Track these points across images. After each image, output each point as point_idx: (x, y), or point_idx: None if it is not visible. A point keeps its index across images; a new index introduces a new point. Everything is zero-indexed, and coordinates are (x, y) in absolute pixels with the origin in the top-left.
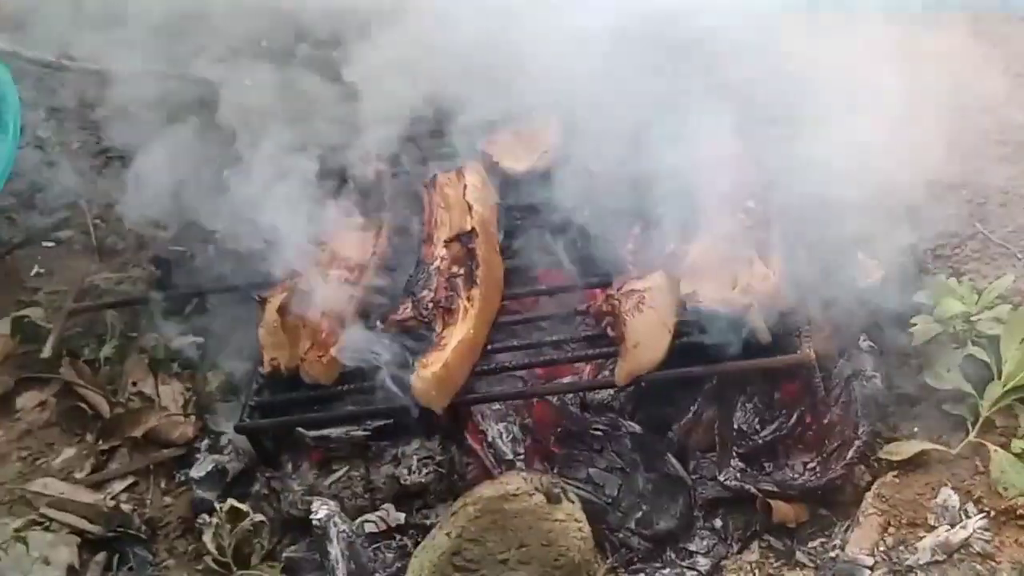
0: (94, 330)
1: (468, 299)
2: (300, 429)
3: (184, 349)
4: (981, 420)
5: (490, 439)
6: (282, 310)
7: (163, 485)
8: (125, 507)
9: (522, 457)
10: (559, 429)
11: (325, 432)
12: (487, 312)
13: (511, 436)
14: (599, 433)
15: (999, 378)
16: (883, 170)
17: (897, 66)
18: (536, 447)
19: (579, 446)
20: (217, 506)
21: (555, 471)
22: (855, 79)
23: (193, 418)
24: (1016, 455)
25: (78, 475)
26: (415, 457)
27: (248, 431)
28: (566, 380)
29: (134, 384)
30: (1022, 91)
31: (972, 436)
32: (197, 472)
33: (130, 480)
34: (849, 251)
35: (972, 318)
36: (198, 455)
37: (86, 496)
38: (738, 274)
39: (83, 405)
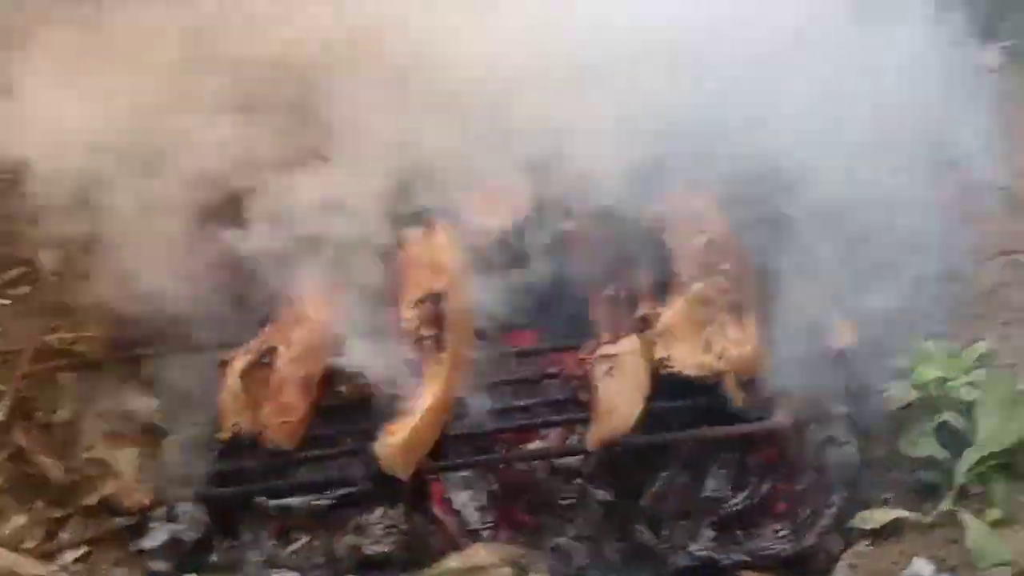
0: (47, 392)
1: (437, 362)
2: (261, 498)
3: (140, 411)
4: (956, 488)
5: (457, 507)
6: (245, 374)
7: (116, 555)
8: None
9: (490, 526)
10: (528, 497)
11: (287, 501)
12: (457, 376)
13: (478, 504)
14: (568, 501)
15: (974, 445)
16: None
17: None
18: (504, 515)
19: (548, 514)
20: None
21: (523, 541)
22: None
23: (148, 484)
24: (991, 524)
25: (28, 544)
26: (378, 526)
27: (207, 499)
28: (535, 446)
29: (88, 449)
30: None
31: (947, 504)
32: (152, 542)
33: (83, 550)
34: (824, 313)
35: (948, 384)
36: (153, 524)
37: (36, 567)
38: (712, 338)
39: (35, 471)
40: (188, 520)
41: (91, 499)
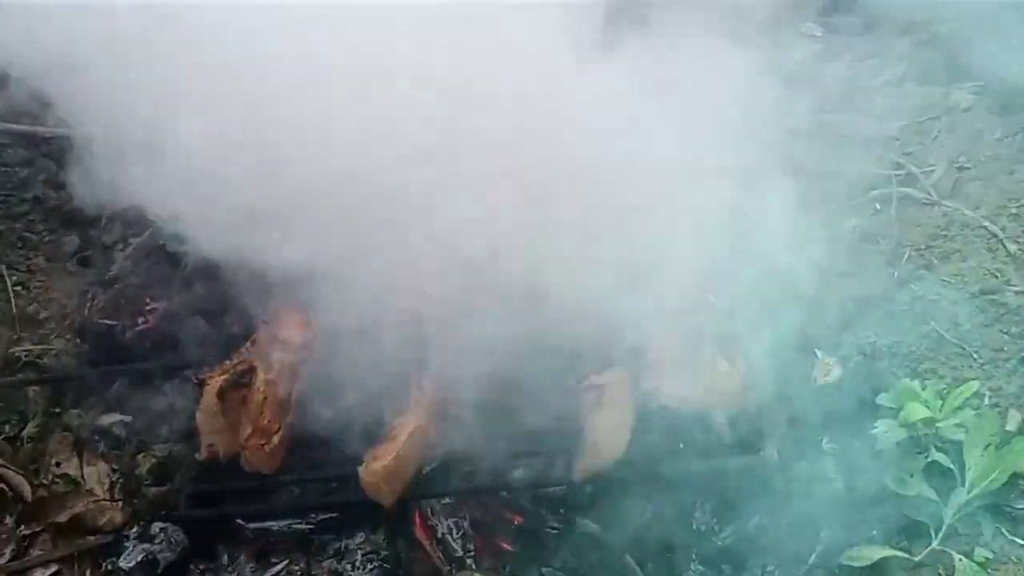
0: (15, 406)
1: (420, 388)
2: (240, 520)
3: (111, 428)
4: (945, 527)
5: (440, 535)
6: (222, 394)
7: (88, 575)
8: None
9: (472, 554)
10: (512, 526)
11: (266, 524)
12: (440, 401)
13: (462, 532)
14: (554, 531)
15: (963, 484)
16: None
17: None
18: (487, 544)
19: (533, 544)
20: None
21: (507, 570)
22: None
23: (121, 503)
24: (980, 564)
25: None
26: (359, 552)
27: (184, 521)
28: (520, 475)
29: (57, 465)
30: (967, 183)
31: (935, 543)
32: (126, 562)
33: (53, 568)
34: (808, 349)
35: (936, 423)
36: (127, 543)
37: None
38: (701, 371)
39: (3, 486)
40: (164, 540)
41: (61, 517)
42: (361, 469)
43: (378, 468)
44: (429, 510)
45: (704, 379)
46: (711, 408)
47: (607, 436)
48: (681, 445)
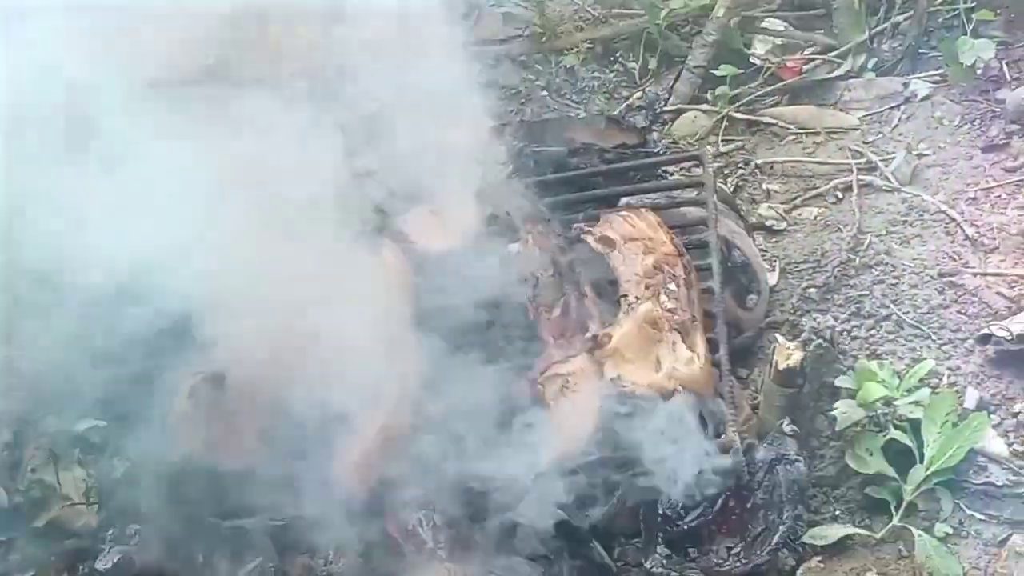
0: None
1: (391, 383)
2: (214, 519)
3: (87, 433)
4: (904, 504)
5: (410, 527)
6: (197, 396)
7: None
8: None
9: (443, 545)
10: (481, 516)
11: (240, 522)
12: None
13: (431, 523)
14: (522, 521)
15: (921, 462)
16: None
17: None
18: (457, 536)
19: (502, 534)
20: None
21: (477, 560)
22: None
23: (97, 507)
24: (940, 539)
25: None
26: (331, 547)
27: (159, 521)
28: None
29: (33, 471)
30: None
31: (896, 520)
32: (103, 564)
33: (31, 573)
34: (767, 334)
35: (894, 402)
36: (103, 546)
37: None
38: (662, 357)
39: None
40: (140, 542)
41: (38, 522)
42: (333, 464)
43: (351, 462)
44: (400, 503)
45: (666, 365)
46: (673, 393)
47: (572, 424)
48: (644, 432)
